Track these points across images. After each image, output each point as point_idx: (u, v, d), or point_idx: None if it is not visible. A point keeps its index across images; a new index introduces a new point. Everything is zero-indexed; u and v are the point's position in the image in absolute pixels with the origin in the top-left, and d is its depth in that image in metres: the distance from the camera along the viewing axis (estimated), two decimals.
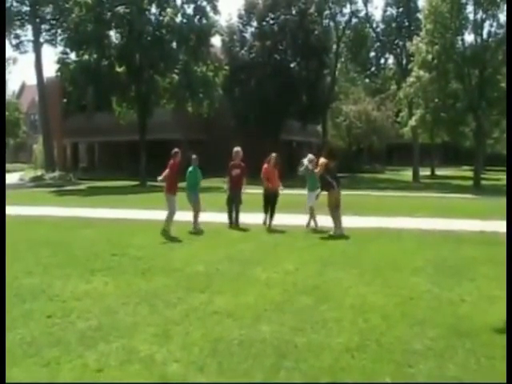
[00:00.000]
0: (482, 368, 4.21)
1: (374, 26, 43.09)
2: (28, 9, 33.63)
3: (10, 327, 4.96)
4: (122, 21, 28.56)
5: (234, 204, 12.12)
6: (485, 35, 27.53)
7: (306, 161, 11.78)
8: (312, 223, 11.66)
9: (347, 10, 41.90)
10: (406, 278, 7.08)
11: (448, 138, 35.85)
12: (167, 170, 11.07)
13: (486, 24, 27.49)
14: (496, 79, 26.91)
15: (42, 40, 34.30)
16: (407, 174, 39.97)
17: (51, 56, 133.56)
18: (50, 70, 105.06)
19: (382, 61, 48.65)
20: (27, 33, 35.61)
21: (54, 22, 34.20)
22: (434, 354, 4.46)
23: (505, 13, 25.54)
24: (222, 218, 12.31)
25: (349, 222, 11.99)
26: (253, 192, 13.11)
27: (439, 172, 43.98)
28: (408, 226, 11.92)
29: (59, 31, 34.24)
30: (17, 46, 34.95)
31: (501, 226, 10.05)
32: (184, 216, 11.77)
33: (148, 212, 14.81)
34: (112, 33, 30.49)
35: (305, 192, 12.04)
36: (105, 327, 5.13)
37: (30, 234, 11.12)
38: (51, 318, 5.40)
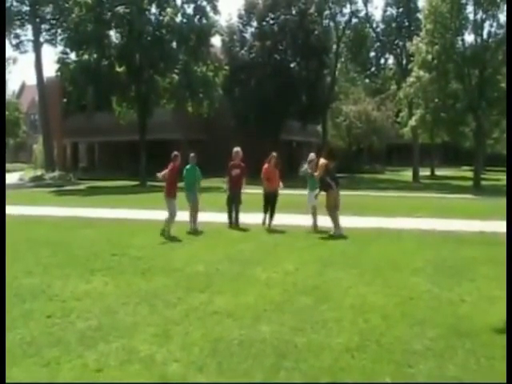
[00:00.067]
0: (482, 368, 4.21)
1: (374, 26, 43.11)
2: (28, 8, 33.64)
3: (9, 327, 4.96)
4: (122, 21, 28.57)
5: (233, 204, 12.11)
6: (485, 35, 27.54)
7: (305, 164, 11.80)
8: (316, 222, 11.60)
9: (347, 10, 41.99)
10: (406, 278, 7.08)
11: (448, 138, 35.83)
12: (167, 171, 11.06)
13: (486, 24, 27.53)
14: (496, 79, 26.91)
15: (41, 40, 34.31)
16: (407, 175, 39.98)
17: (51, 56, 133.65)
18: (50, 69, 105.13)
19: (382, 61, 48.72)
20: (27, 32, 35.72)
21: (53, 21, 34.20)
22: (434, 354, 4.46)
23: (505, 13, 25.58)
24: (222, 217, 12.31)
25: (349, 222, 11.99)
26: (253, 192, 13.11)
27: (439, 172, 43.98)
28: (408, 227, 11.91)
29: (59, 31, 34.25)
30: (17, 46, 34.99)
31: (501, 227, 10.05)
32: (184, 216, 11.77)
33: (148, 212, 14.81)
34: (112, 33, 30.53)
35: (305, 192, 12.04)
36: (105, 327, 5.13)
37: (30, 233, 11.12)
38: (51, 318, 5.40)
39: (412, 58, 30.82)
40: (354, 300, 6.03)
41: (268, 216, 11.82)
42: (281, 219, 12.09)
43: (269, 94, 32.94)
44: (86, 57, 29.53)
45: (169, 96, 30.71)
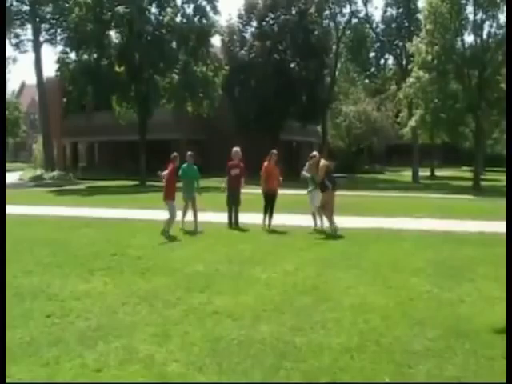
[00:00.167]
0: (482, 368, 4.21)
1: (374, 26, 43.08)
2: (28, 8, 33.60)
3: (9, 326, 4.95)
4: (122, 20, 28.54)
5: (233, 205, 12.08)
6: (484, 36, 27.52)
7: (304, 172, 11.82)
8: (318, 222, 11.58)
9: (347, 10, 41.97)
10: (406, 279, 7.08)
11: (448, 138, 35.84)
12: (167, 172, 11.01)
13: (486, 25, 27.48)
14: (496, 80, 26.90)
15: (41, 39, 34.27)
16: (407, 175, 39.97)
17: (51, 55, 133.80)
18: (50, 69, 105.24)
19: (382, 61, 48.57)
20: (27, 32, 35.62)
21: (53, 21, 34.15)
22: (434, 355, 4.46)
23: (505, 13, 25.56)
24: (222, 218, 12.30)
25: (348, 222, 12.00)
26: (252, 192, 13.11)
27: (439, 173, 43.99)
28: (408, 227, 11.92)
29: (59, 31, 34.22)
30: (17, 46, 34.94)
31: (500, 227, 10.06)
32: (185, 217, 11.77)
33: (147, 212, 14.80)
34: (112, 32, 30.49)
35: (305, 192, 12.02)
36: (104, 327, 5.12)
37: (30, 233, 11.11)
38: (50, 318, 5.40)
39: (412, 59, 30.81)
40: (354, 300, 6.03)
41: (267, 216, 11.77)
42: (281, 219, 12.08)
43: (269, 94, 32.94)
44: (85, 57, 29.54)
45: (168, 96, 30.68)
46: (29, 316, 5.46)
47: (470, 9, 27.61)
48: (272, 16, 36.01)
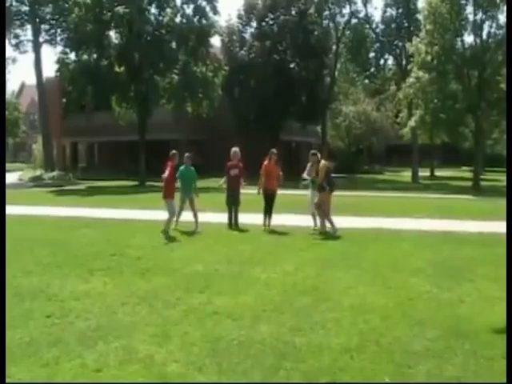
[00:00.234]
0: (482, 369, 4.21)
1: (374, 26, 43.09)
2: (27, 8, 33.60)
3: (9, 327, 4.95)
4: (122, 21, 28.54)
5: (233, 205, 12.07)
6: (484, 36, 27.52)
7: (305, 175, 11.81)
8: (318, 223, 11.57)
9: (347, 10, 41.94)
10: (406, 279, 7.08)
11: (447, 138, 35.85)
12: (167, 172, 11.00)
13: (486, 25, 27.48)
14: (495, 80, 26.90)
15: (41, 40, 34.26)
16: (406, 175, 39.97)
17: (51, 56, 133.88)
18: (50, 69, 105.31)
19: (382, 61, 48.63)
20: (27, 32, 35.65)
21: (53, 21, 34.15)
22: (434, 355, 4.46)
23: (504, 14, 25.57)
24: (221, 218, 12.30)
25: (348, 222, 12.00)
26: (252, 192, 13.10)
27: (438, 173, 43.99)
28: (407, 227, 11.92)
29: (59, 31, 34.22)
30: (16, 46, 34.92)
31: (500, 227, 10.06)
32: (184, 217, 11.77)
33: (147, 212, 14.80)
34: (111, 33, 30.48)
35: (306, 192, 12.02)
36: (104, 327, 5.12)
37: (30, 233, 11.11)
38: (50, 318, 5.40)
39: (411, 59, 30.82)
40: (354, 300, 6.03)
41: (267, 216, 11.76)
42: (280, 219, 12.08)
43: (268, 94, 32.95)
44: (85, 57, 29.53)
45: (168, 96, 30.68)
46: (28, 316, 5.45)
47: (469, 9, 27.65)
48: (272, 16, 36.03)
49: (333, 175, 11.74)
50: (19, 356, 4.42)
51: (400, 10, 41.73)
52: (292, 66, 37.07)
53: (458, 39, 27.97)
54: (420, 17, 34.09)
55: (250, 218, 12.34)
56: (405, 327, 5.14)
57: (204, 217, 12.20)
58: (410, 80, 28.46)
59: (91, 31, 28.41)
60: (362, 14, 42.28)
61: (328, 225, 11.20)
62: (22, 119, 62.90)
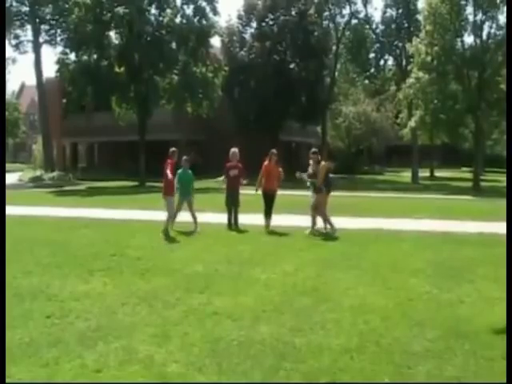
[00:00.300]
0: (482, 369, 4.21)
1: (374, 27, 43.11)
2: (27, 9, 33.63)
3: (9, 327, 4.95)
4: (122, 21, 28.56)
5: (232, 206, 12.05)
6: (484, 36, 27.52)
7: (304, 176, 11.82)
8: (319, 224, 11.56)
9: (347, 11, 41.93)
10: (406, 279, 7.08)
11: (447, 139, 35.85)
12: (168, 171, 10.98)
13: (486, 25, 27.48)
14: (495, 81, 26.90)
15: (41, 40, 34.30)
16: (406, 176, 39.97)
17: (51, 56, 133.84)
18: (50, 70, 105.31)
19: (382, 62, 48.67)
20: (27, 33, 35.72)
21: (53, 22, 34.19)
22: (433, 356, 4.46)
23: (504, 14, 25.58)
24: (221, 218, 12.29)
25: (348, 223, 12.00)
26: (252, 193, 13.09)
27: (438, 173, 43.98)
28: (407, 228, 11.91)
29: (59, 31, 34.26)
30: (16, 46, 34.97)
31: (500, 228, 10.06)
32: (183, 217, 11.76)
33: (147, 212, 14.80)
34: (111, 33, 30.52)
35: (306, 193, 12.00)
36: (104, 327, 5.12)
37: (29, 234, 11.11)
38: (50, 318, 5.40)
39: (411, 59, 30.83)
40: (354, 301, 6.03)
41: (267, 217, 11.74)
42: (280, 220, 12.08)
43: (268, 94, 32.96)
44: (85, 57, 29.55)
45: (168, 96, 30.70)
46: (28, 316, 5.45)
47: (469, 9, 27.65)
48: (272, 17, 36.05)
49: (332, 175, 11.73)
50: (19, 356, 4.42)
51: (400, 11, 41.76)
52: (292, 66, 37.09)
53: (458, 40, 27.98)
54: (420, 17, 34.08)
55: (250, 218, 12.33)
56: (405, 328, 5.14)
57: (204, 217, 12.20)
58: (410, 80, 28.45)
59: (91, 31, 28.44)
60: (362, 15, 42.37)
61: (327, 226, 11.21)
62: (22, 119, 62.95)
